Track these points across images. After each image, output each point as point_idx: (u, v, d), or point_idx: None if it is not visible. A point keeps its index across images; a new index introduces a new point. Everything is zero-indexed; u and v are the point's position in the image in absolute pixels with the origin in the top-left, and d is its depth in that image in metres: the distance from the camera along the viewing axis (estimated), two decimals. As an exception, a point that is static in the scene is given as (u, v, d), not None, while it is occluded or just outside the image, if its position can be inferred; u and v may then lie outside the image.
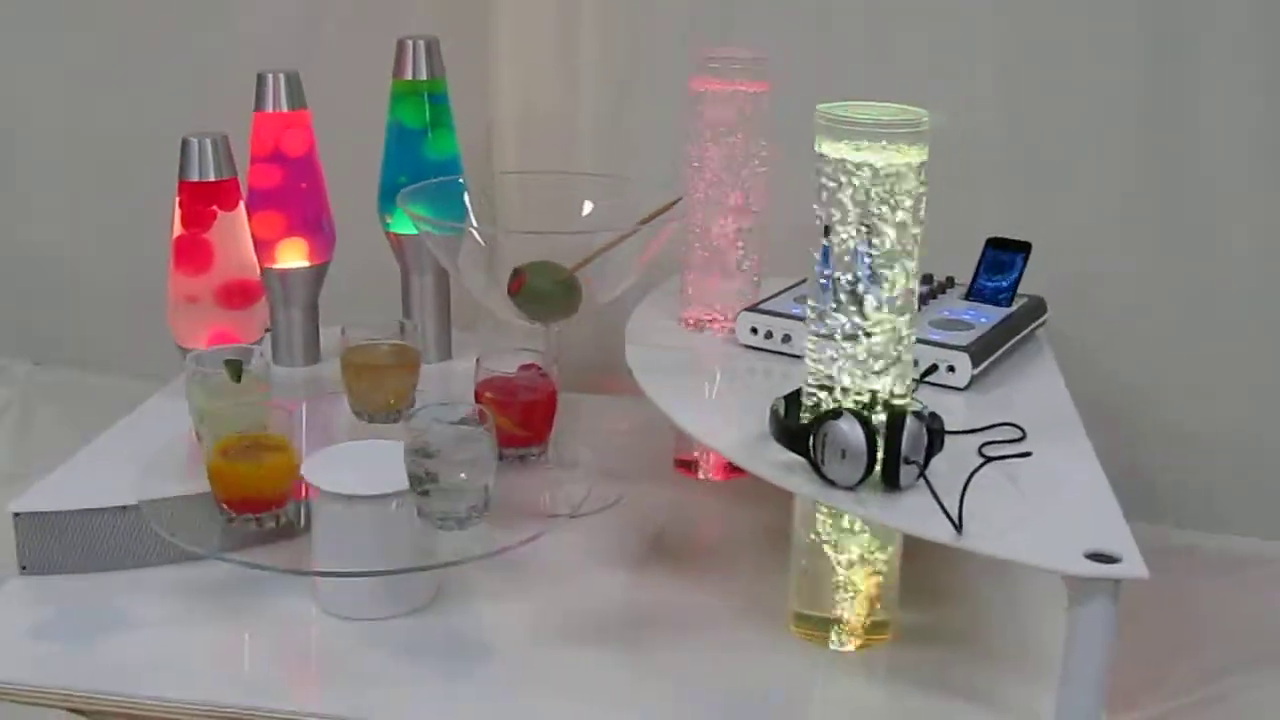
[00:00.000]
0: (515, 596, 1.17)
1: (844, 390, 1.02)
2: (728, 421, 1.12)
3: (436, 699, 1.04)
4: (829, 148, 0.99)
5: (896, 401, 1.02)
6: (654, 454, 1.40)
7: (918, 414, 1.01)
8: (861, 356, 1.01)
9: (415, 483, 1.07)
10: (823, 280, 1.01)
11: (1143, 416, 1.48)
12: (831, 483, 1.01)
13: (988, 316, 1.28)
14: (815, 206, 1.00)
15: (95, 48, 1.74)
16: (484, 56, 1.59)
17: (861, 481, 1.00)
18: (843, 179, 0.98)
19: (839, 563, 1.07)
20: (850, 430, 0.99)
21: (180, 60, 1.70)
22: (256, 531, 1.12)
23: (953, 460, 1.05)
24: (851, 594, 1.08)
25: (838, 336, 1.01)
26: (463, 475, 1.07)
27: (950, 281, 1.37)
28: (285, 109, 1.39)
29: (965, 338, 1.22)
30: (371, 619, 1.12)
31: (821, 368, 1.03)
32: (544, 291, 1.25)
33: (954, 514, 0.96)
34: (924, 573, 1.12)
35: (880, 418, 1.01)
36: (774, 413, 1.06)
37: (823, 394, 1.03)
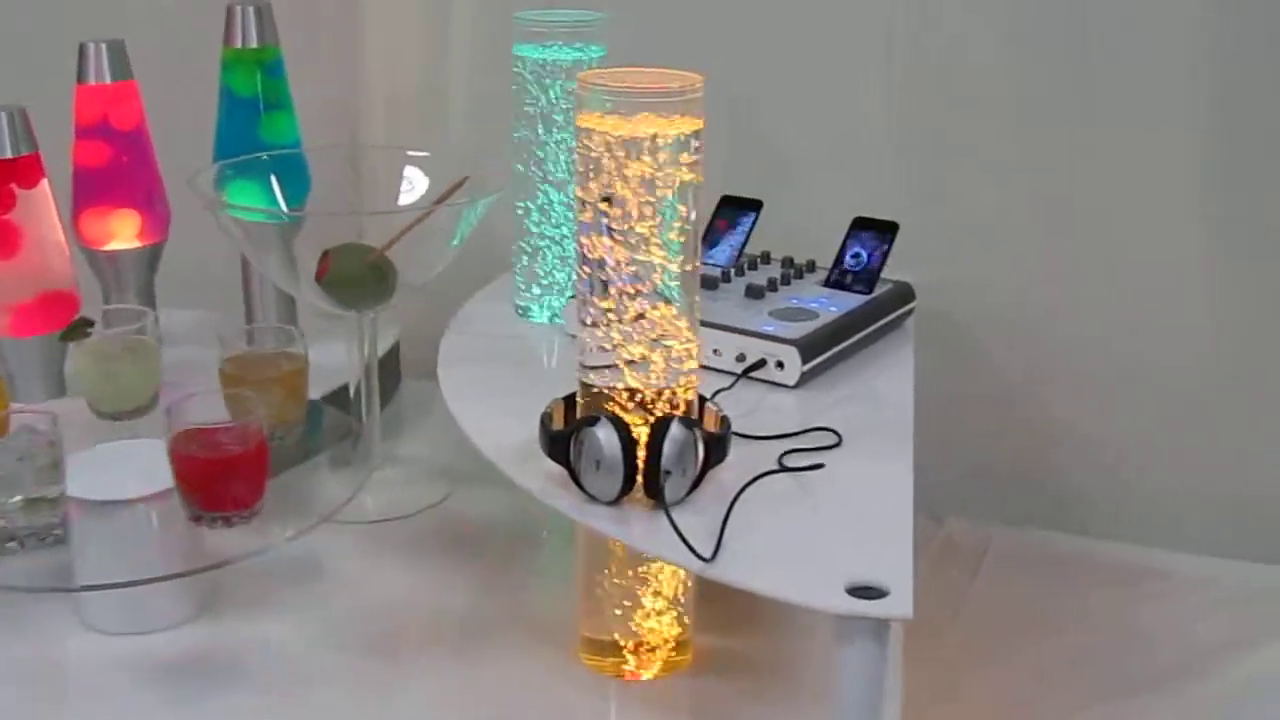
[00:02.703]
0: (295, 608, 1.07)
1: (601, 392, 0.91)
2: (521, 422, 1.01)
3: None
4: (584, 117, 0.88)
5: (685, 403, 0.91)
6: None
7: (686, 420, 0.89)
8: (619, 347, 0.89)
9: None
10: (581, 263, 0.91)
11: (1044, 414, 1.35)
12: (593, 497, 0.90)
13: (839, 305, 1.15)
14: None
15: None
16: (352, 25, 1.49)
17: (623, 495, 0.89)
18: (596, 150, 0.87)
19: (618, 583, 0.96)
20: (606, 438, 0.88)
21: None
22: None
23: (752, 471, 0.94)
24: (634, 617, 0.96)
25: (596, 325, 0.90)
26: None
27: (811, 266, 1.24)
28: (109, 80, 1.30)
29: (802, 329, 1.10)
30: (132, 633, 1.03)
31: (588, 362, 0.92)
32: (351, 276, 1.15)
33: (717, 536, 0.85)
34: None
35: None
36: (543, 416, 0.95)
37: (592, 394, 0.92)
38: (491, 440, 1.00)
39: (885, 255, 1.19)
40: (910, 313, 1.21)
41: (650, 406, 0.90)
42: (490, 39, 1.46)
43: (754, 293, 1.17)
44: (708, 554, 0.84)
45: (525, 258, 1.24)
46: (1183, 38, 1.25)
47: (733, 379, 1.07)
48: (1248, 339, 1.29)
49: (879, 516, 0.89)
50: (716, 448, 0.91)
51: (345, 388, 1.22)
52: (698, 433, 0.89)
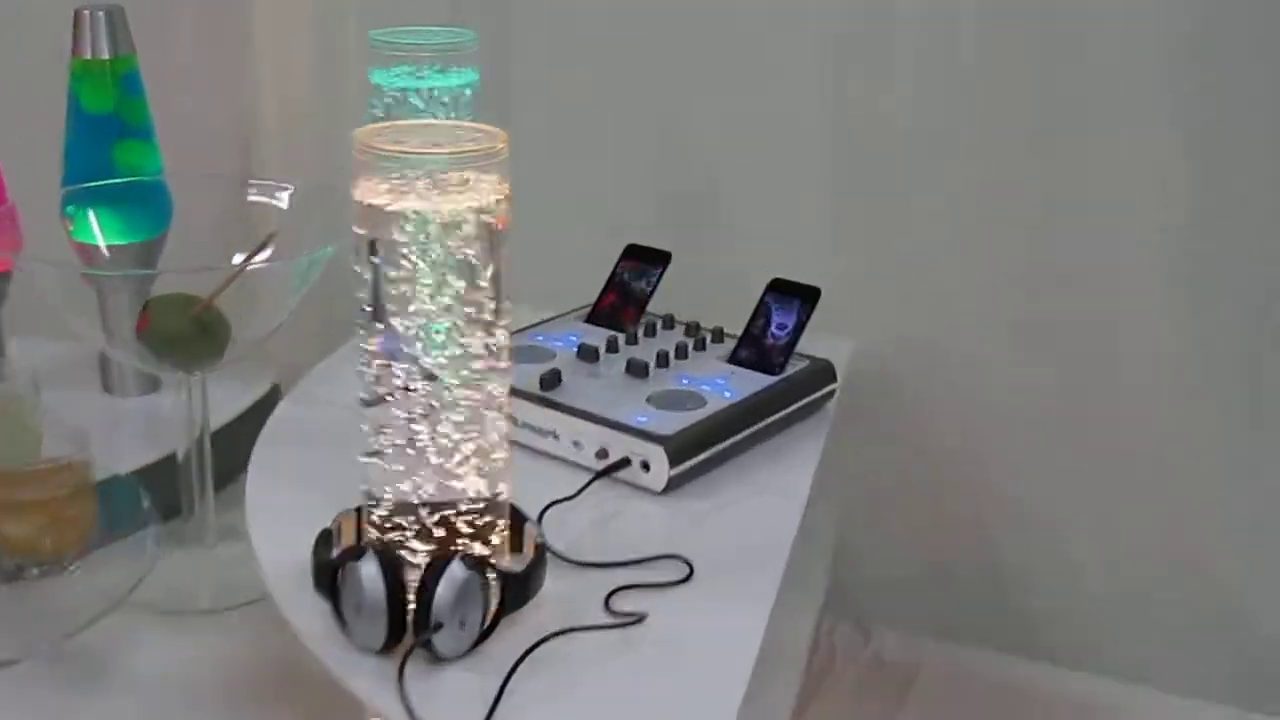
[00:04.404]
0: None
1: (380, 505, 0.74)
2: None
3: None
4: (361, 185, 0.71)
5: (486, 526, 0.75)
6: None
7: (470, 557, 0.72)
8: (383, 454, 0.74)
9: None
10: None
11: (989, 512, 1.16)
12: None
13: (737, 389, 0.97)
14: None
15: None
16: (243, 43, 1.33)
17: (391, 646, 0.72)
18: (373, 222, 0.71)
19: None
20: (368, 576, 0.71)
21: None
22: None
23: (571, 614, 0.76)
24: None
25: (369, 429, 0.74)
26: None
27: (719, 334, 1.06)
28: (-53, 91, 1.16)
29: (679, 422, 0.92)
30: None
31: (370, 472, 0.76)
32: (173, 331, 0.99)
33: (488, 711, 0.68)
34: None
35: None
36: (321, 536, 0.78)
37: (372, 507, 0.76)
38: (282, 554, 0.83)
39: (801, 327, 1.01)
40: (830, 395, 1.02)
41: (438, 528, 0.74)
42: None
43: (636, 370, 0.99)
44: (475, 732, 0.67)
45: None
46: (1140, 89, 1.06)
47: (586, 482, 0.90)
48: (1233, 419, 1.09)
49: (703, 693, 0.71)
50: (515, 591, 0.74)
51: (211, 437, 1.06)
52: (487, 573, 0.72)
